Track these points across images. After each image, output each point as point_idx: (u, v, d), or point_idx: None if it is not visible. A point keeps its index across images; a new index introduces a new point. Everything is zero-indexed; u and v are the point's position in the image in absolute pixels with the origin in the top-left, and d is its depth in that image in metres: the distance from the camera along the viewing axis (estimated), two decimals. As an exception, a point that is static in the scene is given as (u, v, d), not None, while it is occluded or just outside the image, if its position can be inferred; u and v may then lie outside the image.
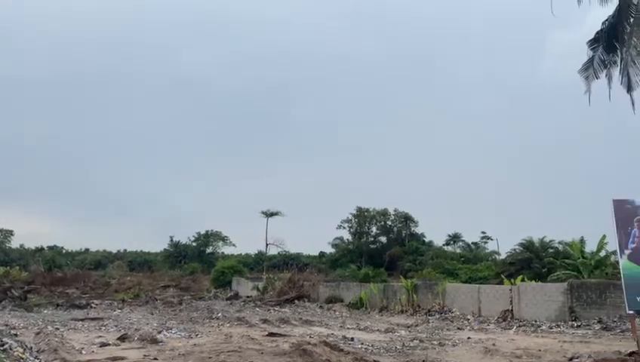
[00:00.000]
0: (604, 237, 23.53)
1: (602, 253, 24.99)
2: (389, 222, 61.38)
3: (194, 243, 64.57)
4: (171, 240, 64.95)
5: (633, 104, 13.40)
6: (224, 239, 65.49)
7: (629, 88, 13.25)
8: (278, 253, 52.04)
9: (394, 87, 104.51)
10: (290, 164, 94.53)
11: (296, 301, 27.29)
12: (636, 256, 10.15)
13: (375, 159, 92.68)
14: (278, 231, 51.94)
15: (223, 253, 65.10)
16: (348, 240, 60.85)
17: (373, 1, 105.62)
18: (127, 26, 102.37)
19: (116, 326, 16.38)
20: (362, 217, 60.34)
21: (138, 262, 65.81)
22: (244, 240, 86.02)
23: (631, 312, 9.96)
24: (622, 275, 10.10)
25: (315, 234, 77.92)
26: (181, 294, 33.36)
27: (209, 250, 65.41)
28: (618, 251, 10.51)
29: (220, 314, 20.83)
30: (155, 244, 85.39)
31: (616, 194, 10.96)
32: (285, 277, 32.67)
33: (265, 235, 44.76)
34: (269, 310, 24.04)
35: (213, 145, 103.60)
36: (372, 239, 61.30)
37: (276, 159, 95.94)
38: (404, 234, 60.09)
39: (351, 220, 60.60)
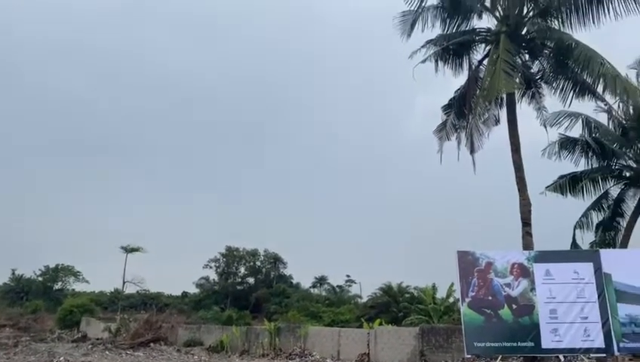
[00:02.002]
0: (452, 284, 25.65)
1: (451, 300, 27.18)
2: (258, 263, 60.77)
3: (40, 278, 58.00)
4: (13, 274, 57.82)
5: (474, 165, 15.11)
6: (76, 274, 59.61)
7: (472, 151, 14.98)
8: (137, 292, 48.68)
9: (260, 132, 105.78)
10: (155, 198, 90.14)
11: (152, 344, 25.57)
12: (475, 304, 11.16)
13: (246, 197, 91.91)
14: (138, 269, 48.60)
15: (73, 289, 59.18)
16: (214, 280, 58.93)
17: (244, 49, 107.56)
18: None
19: None
20: (231, 257, 59.10)
21: (-32, 299, 57.39)
22: (99, 276, 78.64)
23: (469, 356, 10.82)
24: (462, 321, 11.00)
25: (179, 273, 74.27)
26: (18, 335, 29.69)
27: (57, 286, 59.04)
28: (460, 298, 11.49)
29: (62, 358, 18.96)
30: (-8, 278, 75.07)
31: (462, 245, 12.09)
32: (142, 317, 30.60)
33: (123, 272, 41.75)
34: (120, 354, 22.25)
35: (70, 169, 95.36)
36: (239, 280, 60.06)
37: (138, 191, 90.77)
38: (272, 276, 59.84)
39: (219, 259, 59.05)
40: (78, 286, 60.21)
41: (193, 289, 59.85)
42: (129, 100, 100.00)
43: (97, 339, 28.26)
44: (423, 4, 15.23)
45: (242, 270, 60.55)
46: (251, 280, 59.96)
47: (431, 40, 15.78)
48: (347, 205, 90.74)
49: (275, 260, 59.83)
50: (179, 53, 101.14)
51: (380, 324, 21.76)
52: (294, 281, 59.96)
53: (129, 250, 41.47)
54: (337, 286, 59.62)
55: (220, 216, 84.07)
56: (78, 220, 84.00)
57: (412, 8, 15.46)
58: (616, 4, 13.74)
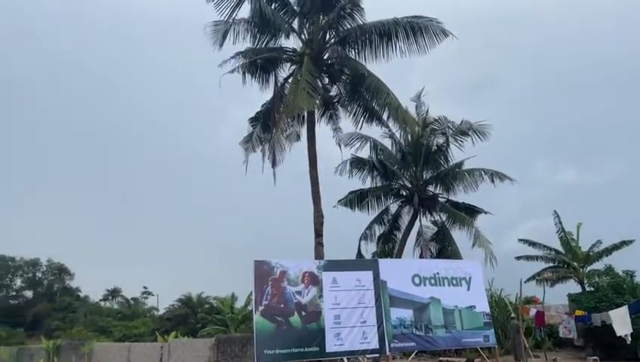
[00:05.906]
0: (251, 293, 26.05)
1: (249, 308, 27.59)
2: (39, 274, 53.97)
3: None
4: None
5: (275, 177, 15.67)
6: None
7: (274, 164, 15.51)
8: None
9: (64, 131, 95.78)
10: None
11: None
12: (267, 312, 11.43)
13: (30, 201, 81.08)
14: None
15: None
16: (-20, 294, 50.66)
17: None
18: None
19: None
20: (4, 267, 51.43)
21: None
22: None
23: (259, 364, 10.98)
24: (254, 330, 11.17)
25: None
26: None
27: None
28: (254, 307, 11.69)
29: None
30: None
31: (264, 255, 12.37)
32: None
33: None
34: None
35: None
36: (14, 293, 52.61)
37: None
38: (55, 288, 53.59)
39: (-12, 271, 50.88)
40: None
41: (-49, 306, 50.50)
42: None
43: None
44: (234, 16, 15.34)
45: (18, 282, 53.30)
46: (29, 293, 53.06)
47: (240, 52, 15.98)
48: (150, 213, 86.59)
49: (60, 271, 53.84)
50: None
51: (176, 337, 21.15)
52: (82, 294, 54.74)
53: None
54: (132, 298, 56.29)
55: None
56: None
57: (223, 19, 15.45)
58: (402, 44, 15.64)
